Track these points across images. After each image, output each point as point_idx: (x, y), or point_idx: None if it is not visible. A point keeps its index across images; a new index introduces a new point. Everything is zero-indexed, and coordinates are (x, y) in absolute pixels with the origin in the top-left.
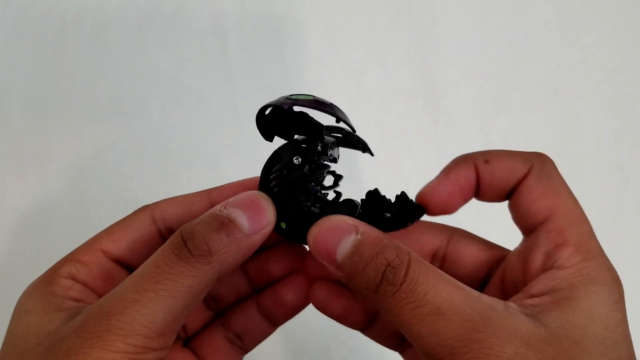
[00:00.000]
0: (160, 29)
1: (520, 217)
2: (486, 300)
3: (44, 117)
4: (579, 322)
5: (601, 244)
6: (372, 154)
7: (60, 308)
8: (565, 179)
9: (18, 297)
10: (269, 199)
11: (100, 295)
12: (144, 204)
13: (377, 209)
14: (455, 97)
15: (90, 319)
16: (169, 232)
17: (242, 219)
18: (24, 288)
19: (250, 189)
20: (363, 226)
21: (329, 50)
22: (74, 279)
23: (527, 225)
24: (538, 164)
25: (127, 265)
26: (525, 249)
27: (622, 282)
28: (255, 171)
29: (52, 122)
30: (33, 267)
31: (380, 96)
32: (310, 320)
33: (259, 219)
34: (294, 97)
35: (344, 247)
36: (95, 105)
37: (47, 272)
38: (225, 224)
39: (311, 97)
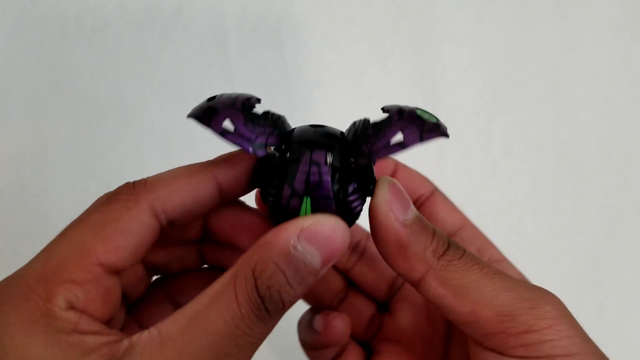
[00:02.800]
0: (160, 29)
1: (437, 225)
2: None
3: (44, 117)
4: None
5: (601, 244)
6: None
7: (87, 349)
8: (566, 179)
9: None
10: (346, 228)
11: (101, 321)
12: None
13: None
14: (455, 96)
15: None
16: (168, 224)
17: (317, 261)
18: None
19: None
20: None
21: (329, 50)
22: (73, 308)
23: (446, 231)
24: (437, 188)
25: (120, 270)
26: None
27: (623, 282)
28: None
29: (52, 122)
30: None
31: (380, 96)
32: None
33: (333, 256)
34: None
35: (413, 209)
36: (95, 105)
37: (35, 297)
38: (300, 270)
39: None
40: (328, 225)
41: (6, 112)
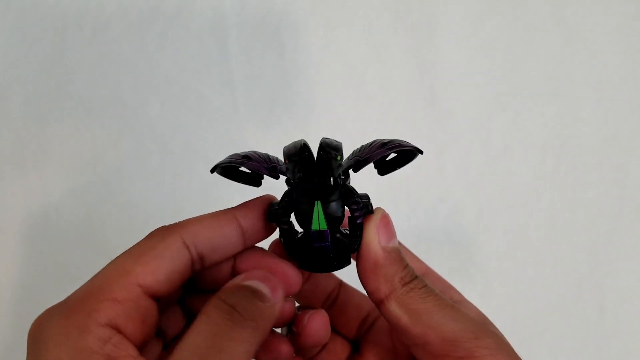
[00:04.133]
0: (160, 29)
1: None
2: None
3: (44, 117)
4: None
5: (601, 244)
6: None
7: None
8: (566, 179)
9: (18, 296)
10: (293, 266)
11: (134, 342)
12: (163, 223)
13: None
14: (455, 96)
15: None
16: (199, 259)
17: (266, 290)
18: (24, 288)
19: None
20: None
21: (329, 50)
22: (112, 324)
23: None
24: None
25: (158, 298)
26: None
27: (622, 282)
28: None
29: (52, 122)
30: (33, 267)
31: (380, 96)
32: None
33: (281, 289)
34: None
35: (396, 242)
36: (95, 105)
37: (77, 312)
38: (256, 292)
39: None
40: (257, 273)
41: (7, 112)
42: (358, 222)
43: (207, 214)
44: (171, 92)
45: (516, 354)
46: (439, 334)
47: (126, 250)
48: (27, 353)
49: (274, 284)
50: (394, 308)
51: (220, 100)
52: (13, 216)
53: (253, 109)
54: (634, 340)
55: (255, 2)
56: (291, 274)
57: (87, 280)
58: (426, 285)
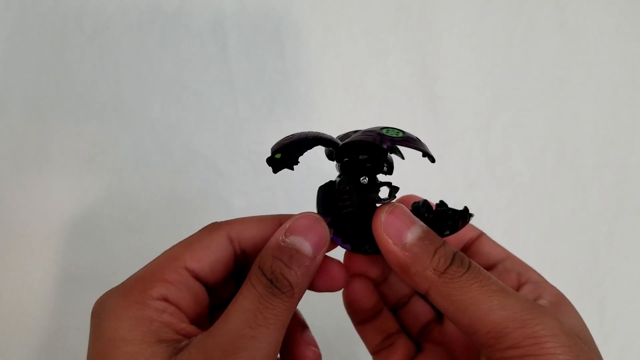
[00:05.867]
0: (160, 29)
1: (483, 258)
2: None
3: (44, 117)
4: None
5: (600, 244)
6: (432, 160)
7: (160, 338)
8: (565, 179)
9: (15, 296)
10: (320, 217)
11: (189, 316)
12: (213, 221)
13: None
14: (455, 96)
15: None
16: (242, 254)
17: (306, 246)
18: (23, 288)
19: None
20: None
21: (329, 50)
22: (166, 300)
23: (489, 264)
24: (483, 232)
25: (206, 285)
26: (495, 274)
27: (622, 282)
28: (255, 171)
29: (52, 122)
30: (33, 267)
31: (380, 96)
32: (315, 318)
33: (319, 240)
34: (388, 133)
35: (415, 231)
36: (95, 105)
37: (134, 290)
38: (293, 256)
39: (402, 134)
40: (304, 218)
41: (7, 112)
42: (343, 210)
43: (255, 216)
44: (171, 92)
45: (569, 337)
46: (485, 325)
47: (179, 242)
48: (90, 329)
49: (314, 237)
50: (439, 301)
51: (220, 100)
52: (13, 216)
53: (253, 109)
54: (634, 340)
55: (255, 2)
56: (337, 271)
57: (87, 279)
58: (469, 267)
